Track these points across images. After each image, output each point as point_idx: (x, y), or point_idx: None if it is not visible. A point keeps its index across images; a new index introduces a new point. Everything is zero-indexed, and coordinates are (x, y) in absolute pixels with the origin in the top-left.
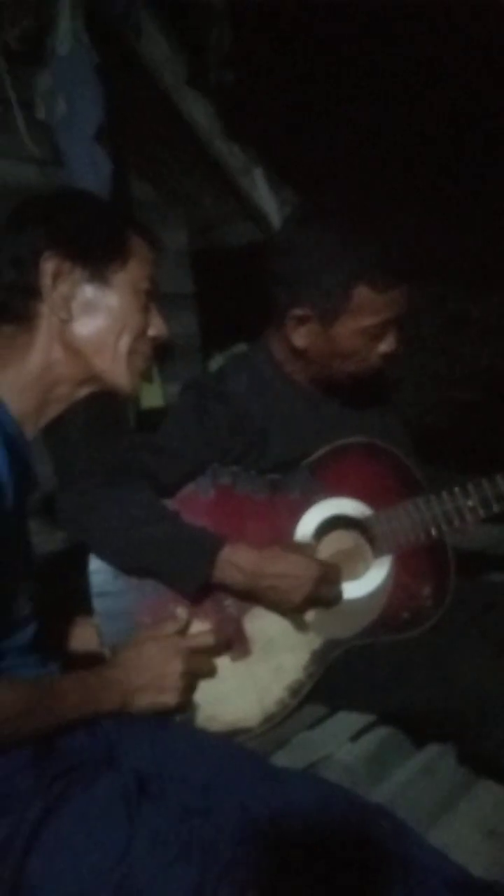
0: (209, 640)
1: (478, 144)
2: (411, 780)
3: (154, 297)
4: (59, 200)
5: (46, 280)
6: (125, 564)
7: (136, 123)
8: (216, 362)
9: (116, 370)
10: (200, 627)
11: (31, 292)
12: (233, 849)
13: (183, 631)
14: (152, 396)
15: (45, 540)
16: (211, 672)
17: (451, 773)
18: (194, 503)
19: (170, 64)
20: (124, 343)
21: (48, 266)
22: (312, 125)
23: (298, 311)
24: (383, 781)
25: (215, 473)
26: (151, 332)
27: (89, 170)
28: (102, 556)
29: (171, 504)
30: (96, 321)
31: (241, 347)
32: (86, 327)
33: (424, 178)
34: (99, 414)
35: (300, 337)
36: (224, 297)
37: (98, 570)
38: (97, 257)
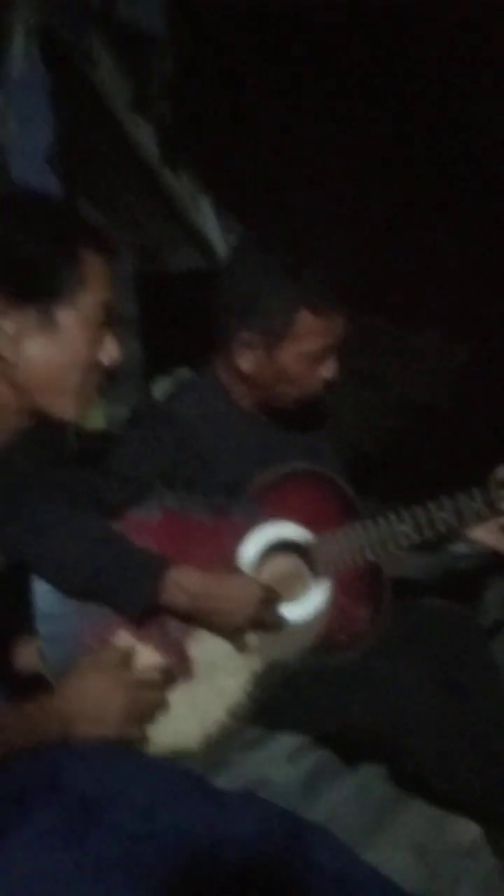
0: (154, 675)
1: (418, 173)
2: (345, 800)
3: (108, 322)
4: (2, 217)
5: None
6: (70, 586)
7: (85, 147)
8: (159, 386)
9: (64, 404)
10: (146, 653)
11: None
12: (178, 875)
13: (125, 658)
14: (94, 419)
15: None
16: (154, 706)
17: (384, 793)
18: (140, 525)
19: (119, 91)
20: (72, 379)
21: None
22: (257, 154)
23: (243, 337)
24: (318, 802)
25: (161, 496)
26: (103, 358)
27: (39, 190)
28: (47, 576)
29: (117, 526)
30: (42, 360)
31: (184, 372)
32: (31, 367)
33: (362, 209)
34: (41, 438)
35: (246, 362)
36: (167, 322)
37: (42, 591)
38: (43, 297)
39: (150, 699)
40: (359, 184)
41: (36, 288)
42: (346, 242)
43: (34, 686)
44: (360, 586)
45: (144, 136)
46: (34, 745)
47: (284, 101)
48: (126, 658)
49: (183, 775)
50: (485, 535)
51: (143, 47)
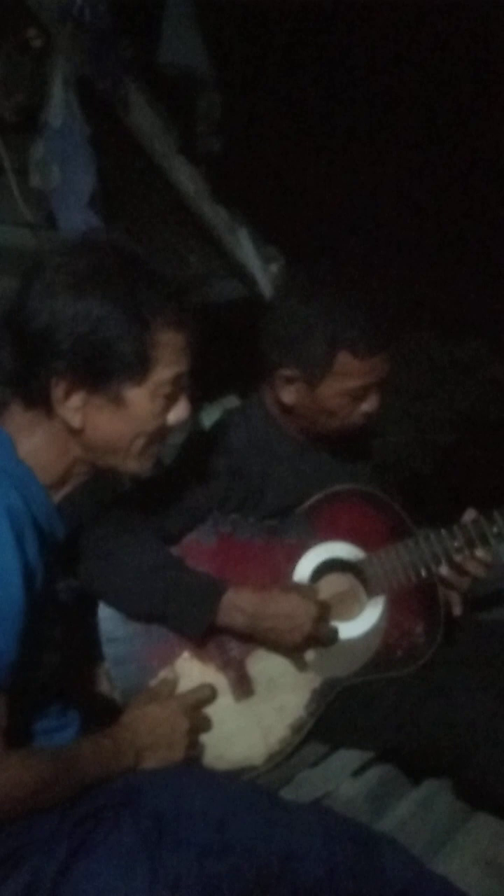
0: (207, 692)
1: (462, 192)
2: (411, 814)
3: (180, 389)
4: (82, 294)
5: (58, 395)
6: (133, 610)
7: (125, 188)
8: (209, 414)
9: (129, 464)
10: (204, 670)
11: (44, 398)
12: (251, 888)
13: (173, 689)
14: None
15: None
16: (211, 725)
17: (449, 806)
18: (197, 550)
19: (157, 132)
20: (138, 444)
21: (60, 385)
22: (296, 184)
23: (286, 372)
24: (384, 816)
25: (216, 521)
26: (171, 419)
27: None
28: (111, 602)
29: (175, 551)
30: (109, 430)
31: (232, 400)
32: (98, 434)
33: (406, 229)
34: (100, 477)
35: (288, 395)
36: (211, 351)
37: (107, 616)
38: (113, 380)
39: (207, 716)
40: (398, 203)
41: (107, 371)
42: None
43: (106, 711)
44: (414, 602)
45: (182, 174)
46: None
47: (326, 134)
48: (174, 685)
49: (252, 790)
50: None
51: (186, 88)
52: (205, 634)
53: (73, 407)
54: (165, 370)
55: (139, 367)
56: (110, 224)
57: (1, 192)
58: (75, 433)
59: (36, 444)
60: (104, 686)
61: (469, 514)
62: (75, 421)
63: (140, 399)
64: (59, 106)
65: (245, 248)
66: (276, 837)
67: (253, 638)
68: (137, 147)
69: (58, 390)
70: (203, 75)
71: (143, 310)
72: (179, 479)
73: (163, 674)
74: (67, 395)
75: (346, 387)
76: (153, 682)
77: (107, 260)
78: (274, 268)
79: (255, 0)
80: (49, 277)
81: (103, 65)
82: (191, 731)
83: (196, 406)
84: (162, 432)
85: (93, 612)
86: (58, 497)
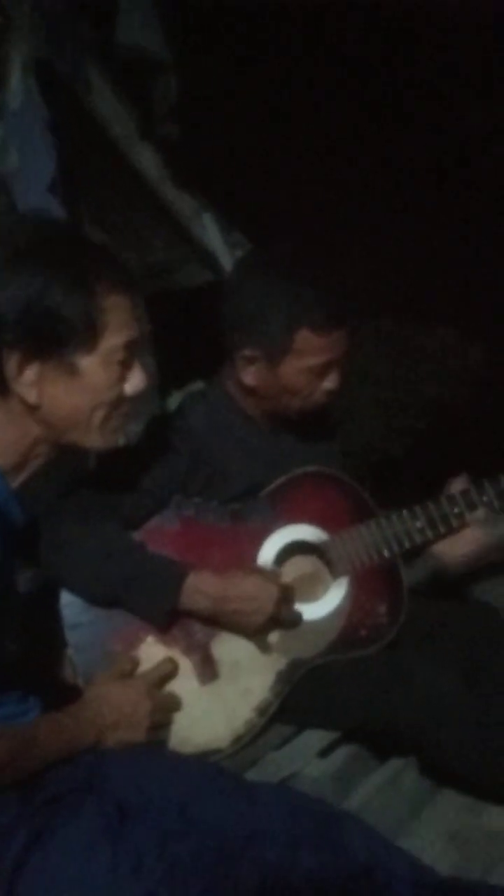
0: (168, 667)
1: (428, 177)
2: (377, 792)
3: (133, 356)
4: (23, 266)
5: (11, 370)
6: (95, 595)
7: (87, 173)
8: (174, 399)
9: (92, 438)
10: (148, 649)
11: None
12: (211, 871)
13: (134, 668)
14: None
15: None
16: (177, 705)
17: (414, 783)
18: (160, 534)
19: (118, 116)
20: (98, 416)
21: (11, 359)
22: (259, 168)
23: (247, 352)
24: (350, 795)
25: (178, 505)
26: (128, 389)
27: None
28: (73, 588)
29: (137, 536)
30: (66, 403)
31: (197, 385)
32: (56, 408)
33: (368, 211)
34: (60, 460)
35: (249, 375)
36: (179, 337)
37: (69, 602)
38: (64, 348)
39: (171, 699)
40: (363, 187)
41: (57, 339)
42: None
43: (69, 697)
44: (377, 583)
45: (145, 158)
46: (69, 756)
47: (290, 114)
48: (136, 663)
49: (215, 772)
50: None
51: (143, 71)
52: (168, 619)
53: (28, 381)
54: (115, 335)
55: (88, 333)
56: (71, 208)
57: None
58: (33, 410)
59: None
60: (67, 672)
61: (454, 487)
62: (31, 396)
63: (94, 367)
64: (18, 88)
65: (210, 233)
66: (239, 817)
67: (216, 621)
68: (98, 131)
69: (10, 364)
70: (159, 57)
71: (86, 276)
72: (140, 463)
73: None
74: (21, 368)
75: (307, 364)
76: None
77: (45, 233)
78: (240, 253)
79: None
80: None
81: (63, 47)
82: (154, 710)
83: (163, 392)
84: (121, 402)
85: (55, 599)
86: (16, 482)
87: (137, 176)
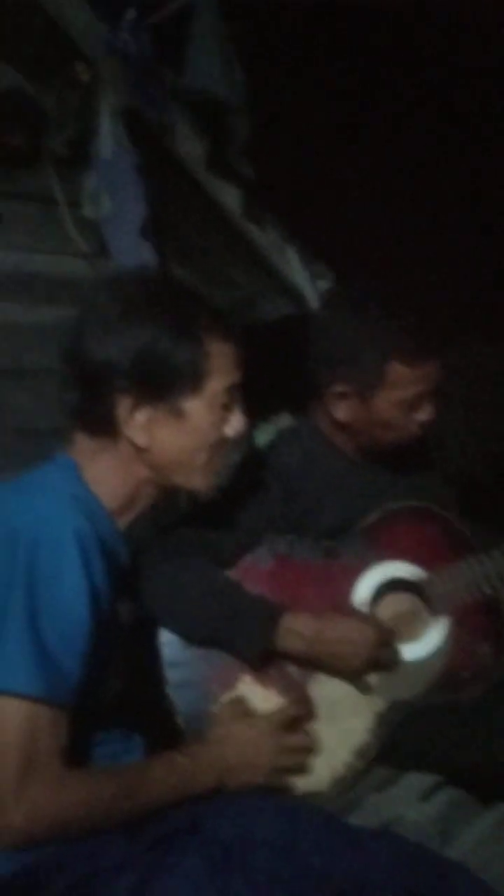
0: (300, 710)
1: None
2: (482, 839)
3: (234, 399)
4: (135, 318)
5: (122, 414)
6: (192, 633)
7: (173, 215)
8: (262, 433)
9: (194, 480)
10: (267, 696)
11: (110, 418)
12: None
13: (250, 708)
14: None
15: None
16: (303, 749)
17: None
18: (254, 572)
19: (198, 155)
20: (201, 458)
21: (123, 404)
22: (340, 201)
23: (338, 388)
24: (454, 841)
25: (272, 543)
26: (229, 431)
27: (135, 262)
28: (170, 625)
29: (232, 574)
30: (173, 444)
31: (285, 419)
32: (164, 450)
33: (455, 240)
34: (164, 496)
35: (341, 411)
36: (265, 370)
37: (168, 641)
38: (172, 393)
39: (295, 741)
40: (450, 218)
41: (166, 385)
42: (436, 278)
43: (167, 736)
44: (479, 621)
45: (227, 196)
46: (184, 799)
47: (367, 147)
48: (245, 704)
49: (319, 815)
50: None
51: (217, 111)
52: (265, 659)
53: (139, 425)
54: (219, 380)
55: (195, 378)
56: (161, 250)
57: (55, 224)
58: (141, 453)
59: (102, 470)
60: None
61: None
62: (141, 439)
63: (199, 410)
64: (108, 137)
65: (294, 266)
66: (347, 864)
67: (313, 662)
68: (182, 173)
69: (122, 409)
70: (228, 100)
71: (192, 325)
72: (235, 502)
73: (224, 698)
74: (132, 412)
75: (400, 397)
76: (214, 708)
77: (151, 286)
78: (323, 283)
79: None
80: (102, 310)
81: (148, 94)
82: (279, 754)
83: (250, 425)
84: (222, 445)
85: (154, 637)
86: (124, 522)
87: (221, 215)
